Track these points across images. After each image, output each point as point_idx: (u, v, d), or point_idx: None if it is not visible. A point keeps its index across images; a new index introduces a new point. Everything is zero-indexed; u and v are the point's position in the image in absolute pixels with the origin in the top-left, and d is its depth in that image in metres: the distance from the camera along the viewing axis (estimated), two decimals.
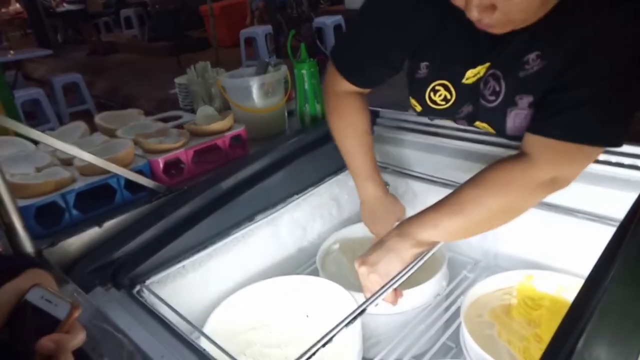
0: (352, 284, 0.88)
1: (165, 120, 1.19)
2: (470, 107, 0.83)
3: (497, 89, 0.76)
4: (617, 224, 0.78)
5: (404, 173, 1.08)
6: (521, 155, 0.70)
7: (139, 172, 0.91)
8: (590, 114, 0.64)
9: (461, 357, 0.84)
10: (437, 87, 0.83)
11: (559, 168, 0.68)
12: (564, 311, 0.85)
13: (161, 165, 0.95)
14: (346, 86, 0.90)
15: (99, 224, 0.84)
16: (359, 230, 1.07)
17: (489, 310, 0.85)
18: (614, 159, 0.80)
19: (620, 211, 0.78)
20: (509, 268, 0.91)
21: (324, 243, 1.05)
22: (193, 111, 1.26)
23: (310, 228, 1.10)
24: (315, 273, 1.02)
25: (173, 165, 0.98)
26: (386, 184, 1.01)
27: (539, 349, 0.80)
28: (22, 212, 0.72)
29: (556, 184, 0.69)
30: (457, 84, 0.81)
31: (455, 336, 0.85)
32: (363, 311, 0.67)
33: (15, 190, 0.73)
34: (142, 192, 0.92)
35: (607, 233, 0.79)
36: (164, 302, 0.75)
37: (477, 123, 0.84)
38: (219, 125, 1.02)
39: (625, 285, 0.52)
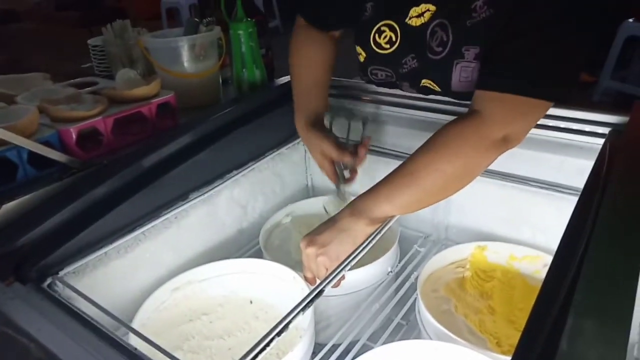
0: (298, 262, 0.81)
1: (78, 86, 1.03)
2: (415, 62, 0.79)
3: (445, 38, 0.72)
4: (568, 191, 0.79)
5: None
6: (472, 114, 0.66)
7: (46, 143, 0.77)
8: (539, 64, 0.61)
9: (413, 334, 0.81)
10: (382, 28, 0.80)
11: (511, 124, 0.65)
12: (514, 282, 0.86)
13: (74, 136, 0.80)
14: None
15: None
16: (313, 205, 1.01)
17: (444, 284, 0.83)
18: (564, 124, 0.78)
19: (569, 178, 0.78)
20: (460, 241, 0.90)
21: (270, 218, 0.97)
22: (112, 78, 1.11)
23: (251, 207, 1.01)
24: (257, 255, 0.94)
25: (89, 137, 0.84)
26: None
27: (492, 321, 0.79)
28: None
29: (508, 142, 0.65)
30: (402, 23, 0.78)
31: (409, 313, 0.81)
32: (320, 294, 0.60)
33: None
34: (51, 167, 0.78)
35: (559, 201, 0.80)
36: (82, 295, 0.63)
37: (424, 81, 0.80)
38: (143, 90, 0.89)
39: (601, 252, 0.49)
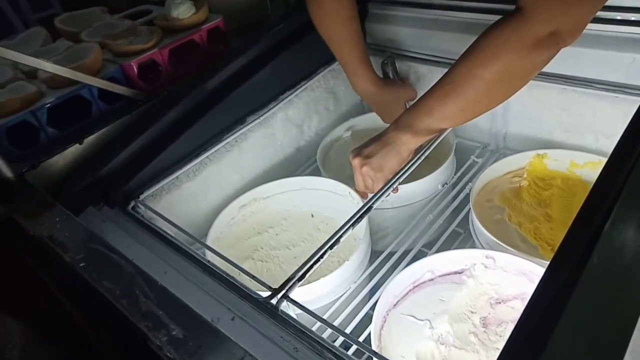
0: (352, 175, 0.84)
1: (133, 16, 1.06)
2: None
3: None
4: (638, 92, 0.72)
5: (404, 55, 0.98)
6: (515, 12, 0.59)
7: (112, 79, 0.83)
8: None
9: (469, 242, 0.84)
10: None
11: (558, 19, 0.56)
12: (575, 189, 0.84)
13: (135, 70, 0.86)
14: None
15: (79, 140, 0.78)
16: (374, 120, 1.00)
17: (499, 194, 0.83)
18: (633, 16, 0.68)
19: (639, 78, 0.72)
20: (519, 150, 0.87)
21: (330, 133, 1.00)
22: (164, 4, 1.12)
23: (306, 126, 1.03)
24: (315, 171, 0.99)
25: (149, 68, 0.89)
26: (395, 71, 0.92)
27: (549, 228, 0.79)
28: None
29: (558, 39, 0.57)
30: None
31: (465, 222, 0.83)
32: (369, 210, 0.64)
33: None
34: (120, 101, 0.85)
35: (626, 104, 0.74)
36: (161, 215, 0.72)
37: None
38: (192, 17, 0.91)
39: None
